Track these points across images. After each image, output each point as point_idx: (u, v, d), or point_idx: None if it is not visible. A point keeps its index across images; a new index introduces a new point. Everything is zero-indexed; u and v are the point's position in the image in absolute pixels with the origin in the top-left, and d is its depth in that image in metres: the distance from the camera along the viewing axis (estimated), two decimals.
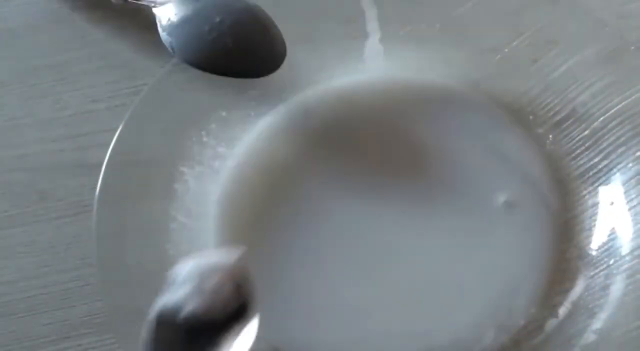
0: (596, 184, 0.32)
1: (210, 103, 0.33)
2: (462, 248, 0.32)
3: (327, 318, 0.31)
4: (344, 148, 0.33)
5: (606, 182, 0.32)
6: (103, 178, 0.31)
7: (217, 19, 0.31)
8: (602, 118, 0.32)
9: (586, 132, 0.32)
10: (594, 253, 0.31)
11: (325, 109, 0.34)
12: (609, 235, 0.31)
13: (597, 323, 0.30)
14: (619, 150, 0.32)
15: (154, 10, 0.33)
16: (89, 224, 0.30)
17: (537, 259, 0.31)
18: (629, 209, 0.31)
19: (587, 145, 0.32)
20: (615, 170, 0.32)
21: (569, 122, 0.33)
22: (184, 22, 0.32)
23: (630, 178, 0.31)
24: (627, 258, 0.31)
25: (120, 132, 0.31)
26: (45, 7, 0.37)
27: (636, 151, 0.31)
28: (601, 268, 0.31)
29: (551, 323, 0.31)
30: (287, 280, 0.32)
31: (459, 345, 0.31)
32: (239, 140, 0.34)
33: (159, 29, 0.32)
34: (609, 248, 0.31)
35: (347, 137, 0.34)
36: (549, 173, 0.33)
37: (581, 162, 0.32)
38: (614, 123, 0.32)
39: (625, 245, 0.31)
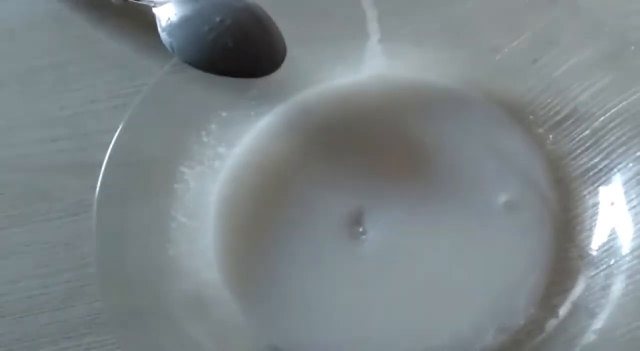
0: (596, 184, 0.32)
1: (210, 103, 0.33)
2: (463, 248, 0.32)
3: (327, 318, 0.31)
4: (343, 148, 0.33)
5: (606, 182, 0.32)
6: (103, 178, 0.31)
7: (217, 19, 0.31)
8: (602, 118, 0.32)
9: (586, 132, 0.32)
10: (594, 253, 0.31)
11: (325, 109, 0.34)
12: (609, 235, 0.31)
13: (598, 323, 0.30)
14: (619, 150, 0.32)
15: (154, 10, 0.33)
16: (89, 224, 0.30)
17: (537, 259, 0.31)
18: (629, 209, 0.31)
19: (587, 145, 0.32)
20: (615, 170, 0.32)
21: (569, 122, 0.33)
22: (183, 22, 0.32)
23: (631, 178, 0.31)
24: (628, 258, 0.31)
25: (120, 132, 0.31)
26: (45, 7, 0.37)
27: (636, 151, 0.31)
28: (601, 268, 0.31)
29: (551, 323, 0.31)
30: (286, 279, 0.32)
31: (459, 345, 0.31)
32: (239, 140, 0.34)
33: (159, 29, 0.32)
34: (609, 248, 0.31)
35: (347, 137, 0.34)
36: (549, 173, 0.33)
37: (581, 162, 0.32)
38: (614, 123, 0.32)
39: (625, 245, 0.31)
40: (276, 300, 0.31)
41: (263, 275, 0.32)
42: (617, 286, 0.30)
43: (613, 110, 0.32)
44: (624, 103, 0.31)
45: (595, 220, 0.32)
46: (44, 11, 0.37)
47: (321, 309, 0.31)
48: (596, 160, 0.32)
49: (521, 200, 0.32)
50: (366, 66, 0.34)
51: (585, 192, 0.32)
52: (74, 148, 0.35)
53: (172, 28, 0.32)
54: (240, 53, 0.31)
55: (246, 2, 0.32)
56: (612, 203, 0.32)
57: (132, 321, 0.30)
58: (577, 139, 0.33)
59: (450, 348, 0.31)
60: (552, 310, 0.31)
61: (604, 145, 0.32)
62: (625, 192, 0.32)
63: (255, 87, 0.33)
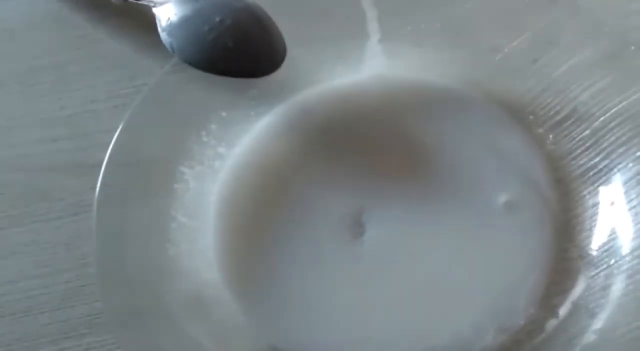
0: (596, 184, 0.32)
1: (210, 103, 0.33)
2: (463, 248, 0.32)
3: (327, 318, 0.31)
4: (343, 148, 0.33)
5: (606, 182, 0.32)
6: (103, 178, 0.31)
7: (217, 19, 0.31)
8: (602, 118, 0.32)
9: (586, 132, 0.32)
10: (594, 253, 0.31)
11: (325, 109, 0.34)
12: (609, 235, 0.31)
13: (598, 323, 0.30)
14: (619, 150, 0.32)
15: (154, 10, 0.33)
16: (89, 224, 0.30)
17: (537, 259, 0.31)
18: (629, 209, 0.31)
19: (587, 145, 0.32)
20: (615, 170, 0.32)
21: (569, 122, 0.33)
22: (183, 22, 0.32)
23: (631, 178, 0.31)
24: (628, 258, 0.31)
25: (120, 132, 0.31)
26: (45, 7, 0.37)
27: (636, 151, 0.31)
28: (601, 268, 0.31)
29: (551, 323, 0.31)
30: (286, 279, 0.32)
31: (459, 345, 0.31)
32: (239, 140, 0.34)
33: (159, 29, 0.32)
34: (609, 248, 0.31)
35: (347, 137, 0.34)
36: (549, 173, 0.33)
37: (581, 162, 0.32)
38: (614, 123, 0.32)
39: (625, 245, 0.31)
40: (276, 300, 0.31)
41: (263, 275, 0.32)
42: (617, 286, 0.30)
43: (613, 110, 0.32)
44: (624, 103, 0.31)
45: (595, 220, 0.32)
46: (44, 11, 0.37)
47: (321, 309, 0.31)
48: (596, 160, 0.32)
49: (521, 200, 0.32)
50: (366, 66, 0.34)
51: (585, 192, 0.32)
52: (74, 148, 0.35)
53: (172, 28, 0.32)
54: (240, 53, 0.31)
55: (246, 2, 0.32)
56: (612, 203, 0.32)
57: (132, 321, 0.30)
58: (577, 139, 0.33)
59: (450, 348, 0.31)
60: (552, 310, 0.31)
61: (604, 145, 0.32)
62: (625, 192, 0.32)
63: (255, 87, 0.33)
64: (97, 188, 0.30)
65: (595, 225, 0.32)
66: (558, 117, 0.33)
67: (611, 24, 0.32)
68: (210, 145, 0.33)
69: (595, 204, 0.32)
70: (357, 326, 0.31)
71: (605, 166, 0.32)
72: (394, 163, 0.33)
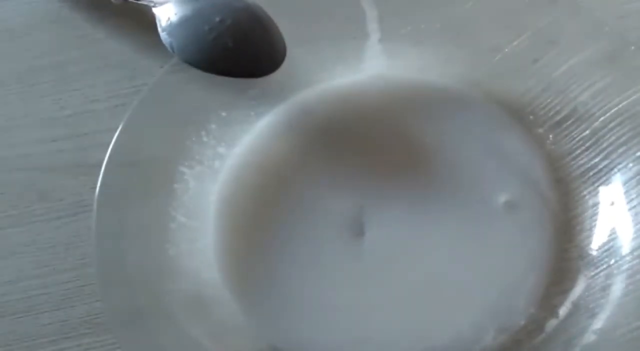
0: (596, 184, 0.32)
1: (210, 103, 0.33)
2: (463, 248, 0.32)
3: (327, 318, 0.31)
4: (343, 148, 0.33)
5: (606, 182, 0.32)
6: (103, 178, 0.31)
7: (217, 19, 0.31)
8: (602, 118, 0.32)
9: (586, 132, 0.32)
10: (594, 253, 0.31)
11: (325, 109, 0.34)
12: (609, 235, 0.31)
13: (598, 323, 0.30)
14: (619, 150, 0.32)
15: (154, 10, 0.33)
16: (89, 224, 0.30)
17: (537, 259, 0.31)
18: (629, 209, 0.31)
19: (587, 145, 0.32)
20: (615, 170, 0.32)
21: (569, 122, 0.33)
22: (184, 22, 0.32)
23: (631, 178, 0.31)
24: (628, 258, 0.31)
25: (120, 132, 0.31)
26: (45, 7, 0.38)
27: (636, 151, 0.31)
28: (601, 268, 0.31)
29: (551, 323, 0.31)
30: (286, 279, 0.32)
31: (459, 345, 0.30)
32: (239, 140, 0.34)
33: (159, 29, 0.32)
34: (609, 248, 0.31)
35: (347, 137, 0.34)
36: (549, 173, 0.33)
37: (581, 162, 0.32)
38: (614, 123, 0.32)
39: (625, 245, 0.31)
40: (276, 300, 0.31)
41: (263, 275, 0.32)
42: (617, 286, 0.30)
43: (613, 110, 0.32)
44: (624, 103, 0.31)
45: (595, 220, 0.32)
46: (44, 11, 0.37)
47: (321, 309, 0.31)
48: (596, 160, 0.32)
49: (521, 200, 0.32)
50: (366, 66, 0.34)
51: (585, 192, 0.32)
52: (74, 148, 0.35)
53: (172, 28, 0.32)
54: (240, 53, 0.31)
55: (246, 2, 0.32)
56: (612, 203, 0.32)
57: (132, 321, 0.30)
58: (577, 139, 0.33)
59: (450, 348, 0.31)
60: (552, 310, 0.31)
61: (604, 145, 0.32)
62: (625, 192, 0.32)
63: (255, 87, 0.33)
64: (97, 188, 0.30)
65: (595, 225, 0.32)
66: (558, 117, 0.33)
67: (611, 24, 0.32)
68: (210, 145, 0.33)
69: (595, 204, 0.32)
70: (357, 326, 0.31)
71: (605, 166, 0.32)
72: (394, 163, 0.33)
